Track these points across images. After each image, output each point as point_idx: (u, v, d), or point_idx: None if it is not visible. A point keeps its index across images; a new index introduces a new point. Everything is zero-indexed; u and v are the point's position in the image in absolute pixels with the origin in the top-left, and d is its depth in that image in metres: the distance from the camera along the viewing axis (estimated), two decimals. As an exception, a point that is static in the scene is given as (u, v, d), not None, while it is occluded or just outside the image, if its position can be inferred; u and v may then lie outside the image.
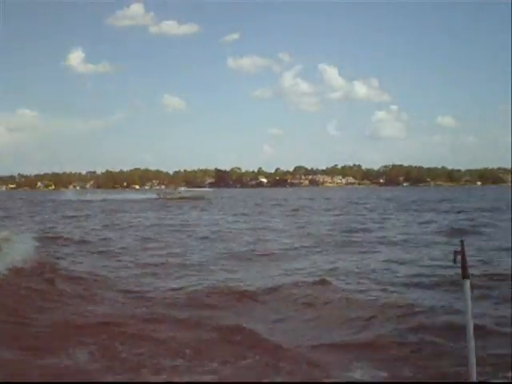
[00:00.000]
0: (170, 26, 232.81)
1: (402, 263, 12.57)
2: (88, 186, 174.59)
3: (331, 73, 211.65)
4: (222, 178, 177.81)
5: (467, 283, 2.97)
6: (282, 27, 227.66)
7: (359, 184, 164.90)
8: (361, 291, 9.29)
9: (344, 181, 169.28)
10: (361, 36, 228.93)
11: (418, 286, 9.78)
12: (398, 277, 10.77)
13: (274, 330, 7.08)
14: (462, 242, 3.02)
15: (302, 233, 20.66)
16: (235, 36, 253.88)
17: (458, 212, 32.78)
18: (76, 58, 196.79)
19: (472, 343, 2.86)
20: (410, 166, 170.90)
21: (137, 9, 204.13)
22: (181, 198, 58.77)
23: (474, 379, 2.84)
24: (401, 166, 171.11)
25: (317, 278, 10.23)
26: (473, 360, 2.83)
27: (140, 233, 20.76)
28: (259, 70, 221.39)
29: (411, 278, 10.41)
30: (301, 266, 12.29)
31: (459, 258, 2.97)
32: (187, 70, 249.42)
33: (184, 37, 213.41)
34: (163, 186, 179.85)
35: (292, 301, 8.72)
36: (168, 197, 61.28)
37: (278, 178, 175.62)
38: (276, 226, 23.71)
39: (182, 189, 71.38)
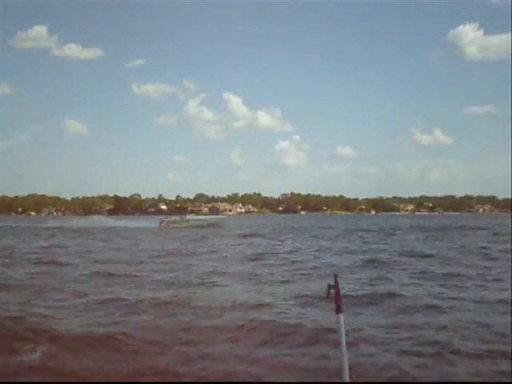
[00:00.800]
0: (74, 50, 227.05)
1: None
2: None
3: (235, 102, 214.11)
4: (121, 205, 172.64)
5: (341, 318, 3.05)
6: (187, 55, 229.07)
7: (258, 212, 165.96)
8: None
9: (244, 209, 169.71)
10: (264, 66, 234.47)
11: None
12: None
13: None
14: (335, 276, 3.03)
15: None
16: (140, 62, 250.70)
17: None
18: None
19: (346, 366, 3.15)
20: (309, 195, 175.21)
21: (40, 30, 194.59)
22: (198, 225, 49.54)
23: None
24: (299, 194, 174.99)
25: None
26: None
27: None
28: (164, 96, 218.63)
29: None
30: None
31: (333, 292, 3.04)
32: (90, 94, 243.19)
33: (88, 61, 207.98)
34: (60, 213, 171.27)
35: None
36: (178, 225, 50.13)
37: (178, 205, 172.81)
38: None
39: (191, 216, 61.57)
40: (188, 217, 57.71)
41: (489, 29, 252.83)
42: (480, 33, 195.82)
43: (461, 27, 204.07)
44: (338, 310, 3.05)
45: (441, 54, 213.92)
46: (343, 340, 3.07)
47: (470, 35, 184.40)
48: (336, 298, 3.01)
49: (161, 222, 52.08)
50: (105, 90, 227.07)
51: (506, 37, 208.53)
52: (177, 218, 55.63)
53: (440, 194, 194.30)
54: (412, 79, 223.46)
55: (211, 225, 50.88)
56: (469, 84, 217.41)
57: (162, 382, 5.11)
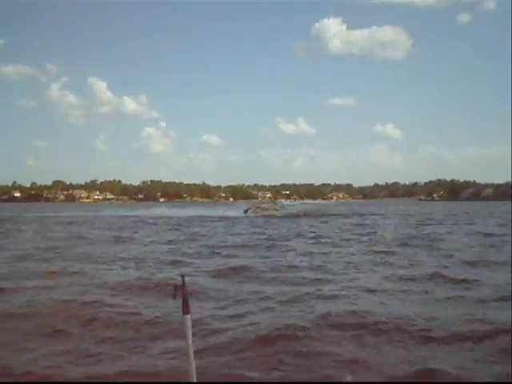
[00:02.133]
0: None
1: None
2: None
3: (100, 87, 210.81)
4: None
5: (188, 318, 3.00)
6: (49, 36, 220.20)
7: (117, 199, 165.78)
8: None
9: (102, 196, 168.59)
10: (129, 52, 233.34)
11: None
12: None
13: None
14: (182, 277, 2.96)
15: None
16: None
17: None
18: None
19: (193, 365, 3.07)
20: (169, 182, 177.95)
21: None
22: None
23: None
24: (159, 181, 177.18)
25: None
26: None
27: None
28: (24, 78, 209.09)
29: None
30: None
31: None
32: None
33: None
34: None
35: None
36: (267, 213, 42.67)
37: (33, 192, 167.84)
38: None
39: (285, 201, 52.05)
40: (284, 202, 50.54)
41: (352, 24, 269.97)
42: (343, 27, 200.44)
43: (325, 21, 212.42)
44: (185, 311, 3.00)
45: (305, 46, 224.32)
46: (190, 342, 3.04)
47: (333, 29, 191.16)
48: (183, 299, 2.97)
49: (246, 210, 45.72)
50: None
51: (367, 32, 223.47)
52: (267, 204, 48.47)
53: (301, 182, 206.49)
54: (277, 70, 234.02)
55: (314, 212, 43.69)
56: (331, 76, 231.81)
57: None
